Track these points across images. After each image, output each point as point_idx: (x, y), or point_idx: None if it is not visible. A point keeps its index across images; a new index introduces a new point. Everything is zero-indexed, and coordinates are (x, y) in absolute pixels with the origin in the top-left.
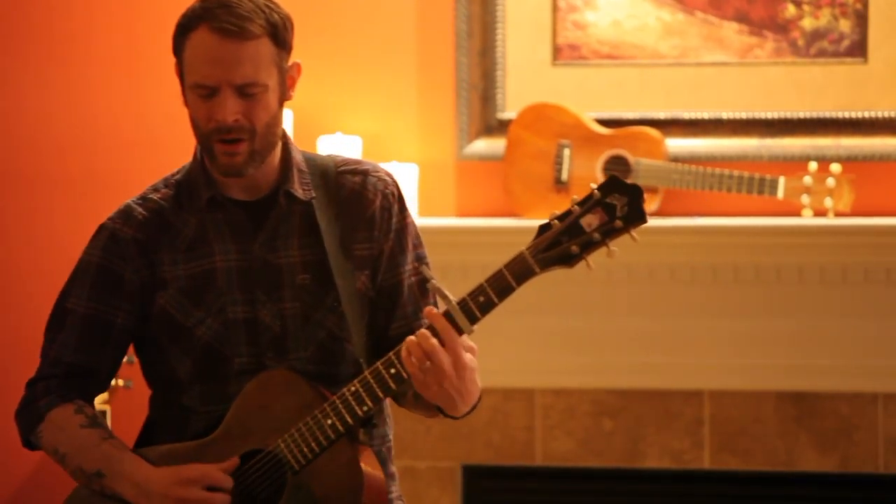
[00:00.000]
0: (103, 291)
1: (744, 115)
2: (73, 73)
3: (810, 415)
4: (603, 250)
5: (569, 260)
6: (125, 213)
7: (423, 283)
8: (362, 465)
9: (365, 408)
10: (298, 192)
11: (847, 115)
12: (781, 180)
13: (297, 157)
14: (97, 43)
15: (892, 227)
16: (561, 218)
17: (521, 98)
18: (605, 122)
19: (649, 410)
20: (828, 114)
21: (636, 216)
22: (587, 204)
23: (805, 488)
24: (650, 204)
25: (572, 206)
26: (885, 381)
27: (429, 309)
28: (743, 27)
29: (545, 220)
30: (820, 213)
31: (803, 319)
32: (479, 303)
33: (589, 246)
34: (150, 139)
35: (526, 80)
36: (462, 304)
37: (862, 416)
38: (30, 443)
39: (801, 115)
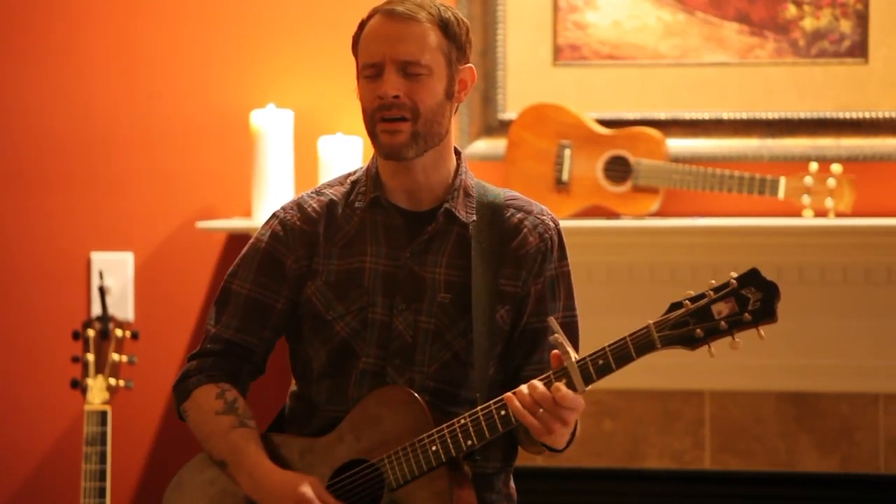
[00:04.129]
0: (267, 277)
1: (744, 116)
2: (72, 73)
3: (811, 415)
4: (727, 339)
5: (691, 343)
6: (298, 205)
7: (567, 334)
8: (455, 496)
9: (469, 442)
10: (460, 212)
11: (848, 115)
12: (782, 181)
13: (469, 181)
14: (97, 42)
15: (893, 228)
16: (693, 300)
17: (522, 98)
18: (605, 123)
19: (650, 411)
20: (828, 114)
21: (767, 314)
22: (722, 291)
23: (806, 489)
24: (651, 204)
25: (707, 291)
26: (886, 382)
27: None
28: (743, 27)
29: (678, 299)
30: (821, 213)
31: (804, 319)
32: (598, 366)
33: (714, 333)
34: (149, 139)
35: (526, 81)
36: (581, 364)
37: (862, 416)
38: (181, 415)
39: (802, 115)
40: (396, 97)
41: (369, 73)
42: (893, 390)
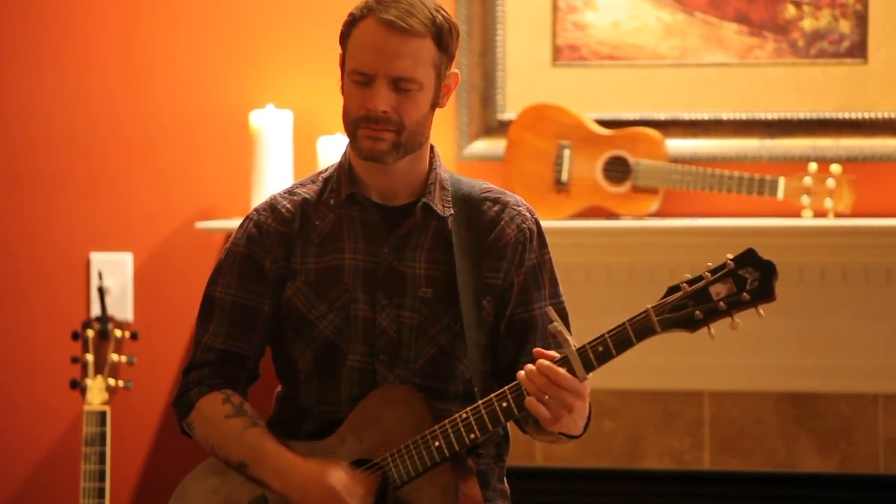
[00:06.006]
0: (249, 280)
1: (744, 116)
2: (71, 73)
3: (810, 415)
4: (726, 320)
5: (691, 325)
6: (270, 206)
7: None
8: (461, 491)
9: (473, 436)
10: (437, 206)
11: (847, 115)
12: (781, 181)
13: (443, 175)
14: (96, 42)
15: (893, 228)
16: (691, 282)
17: (521, 99)
18: (605, 123)
19: (649, 411)
20: (828, 114)
21: (765, 293)
22: (719, 272)
23: (805, 489)
24: (650, 204)
25: (704, 273)
26: (885, 382)
27: (540, 352)
28: (743, 28)
29: (675, 283)
30: (820, 213)
31: (803, 320)
32: (598, 352)
33: (713, 314)
34: (149, 139)
35: (526, 81)
36: (581, 351)
37: (862, 416)
38: (184, 431)
39: (802, 115)
40: (385, 112)
41: (358, 79)
42: (893, 390)
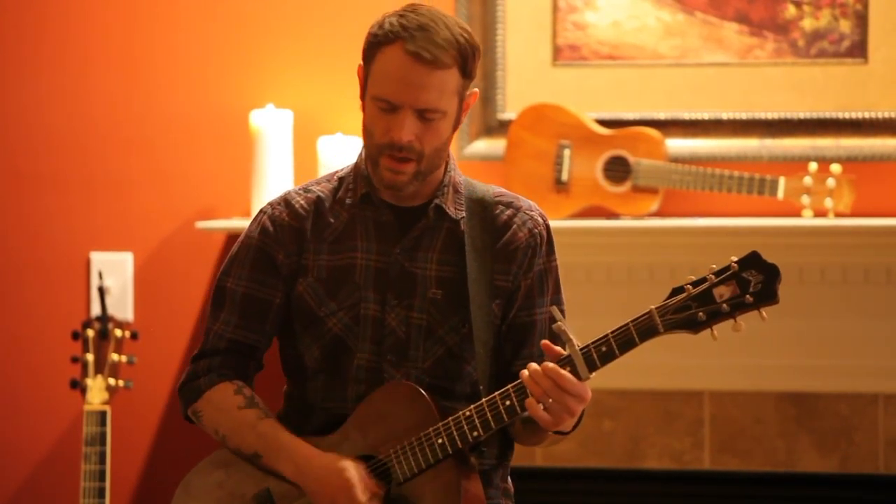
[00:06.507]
0: (262, 272)
1: (744, 116)
2: (71, 72)
3: (810, 415)
4: (729, 322)
5: (694, 326)
6: (285, 201)
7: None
8: (463, 488)
9: (475, 433)
10: (450, 208)
11: (847, 115)
12: (781, 181)
13: (457, 178)
14: (96, 42)
15: (893, 228)
16: (695, 284)
17: (522, 98)
18: (605, 123)
19: (649, 411)
20: (828, 114)
21: (768, 296)
22: (723, 275)
23: (805, 489)
24: (650, 204)
25: (708, 275)
26: (886, 382)
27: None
28: (743, 28)
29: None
30: (820, 213)
31: (803, 319)
32: (601, 352)
33: (716, 316)
34: (149, 139)
35: (526, 81)
36: (585, 351)
37: (862, 416)
38: (188, 418)
39: (802, 115)
40: (409, 141)
41: (383, 105)
42: (893, 390)
